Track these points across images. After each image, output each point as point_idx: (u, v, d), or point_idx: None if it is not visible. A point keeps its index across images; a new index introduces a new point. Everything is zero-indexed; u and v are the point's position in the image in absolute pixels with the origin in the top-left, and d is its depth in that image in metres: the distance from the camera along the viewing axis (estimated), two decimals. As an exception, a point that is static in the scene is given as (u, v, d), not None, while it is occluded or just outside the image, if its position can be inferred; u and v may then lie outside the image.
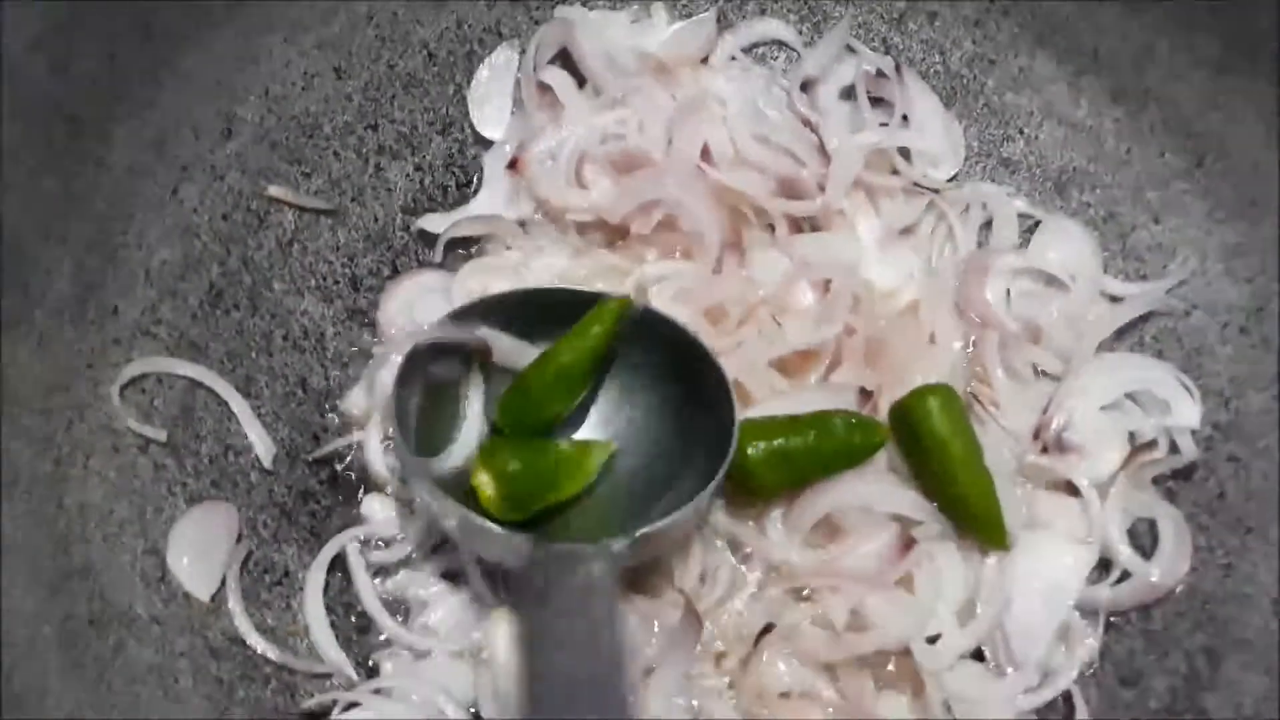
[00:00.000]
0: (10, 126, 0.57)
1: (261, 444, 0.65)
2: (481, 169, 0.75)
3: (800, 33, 0.79)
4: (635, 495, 0.62)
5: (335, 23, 0.72)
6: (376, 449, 0.66)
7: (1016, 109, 0.76)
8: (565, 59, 0.76)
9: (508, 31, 0.76)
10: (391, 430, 0.63)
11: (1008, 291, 0.72)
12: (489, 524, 0.58)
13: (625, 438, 0.64)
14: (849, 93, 0.77)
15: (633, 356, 0.65)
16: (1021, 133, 0.76)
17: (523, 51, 0.76)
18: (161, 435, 0.63)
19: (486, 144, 0.76)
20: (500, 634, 0.60)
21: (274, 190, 0.70)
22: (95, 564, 0.58)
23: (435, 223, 0.73)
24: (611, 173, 0.75)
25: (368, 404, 0.68)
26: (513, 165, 0.74)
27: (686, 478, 0.61)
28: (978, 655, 0.63)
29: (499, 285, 0.71)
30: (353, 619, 0.64)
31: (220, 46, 0.68)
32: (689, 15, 0.78)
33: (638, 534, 0.57)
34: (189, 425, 0.64)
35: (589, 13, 0.77)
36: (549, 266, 0.72)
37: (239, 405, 0.65)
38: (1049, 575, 0.65)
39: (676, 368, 0.64)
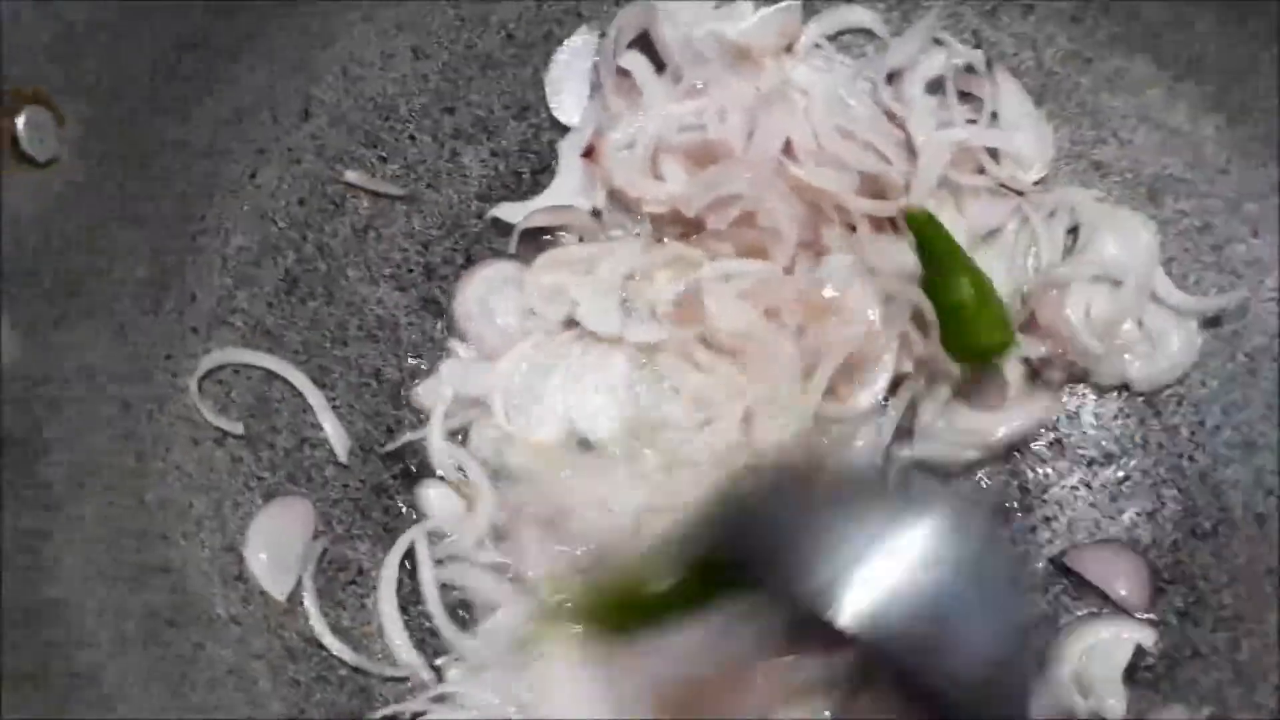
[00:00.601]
0: (88, 107, 0.55)
1: (337, 437, 0.65)
2: (557, 156, 0.73)
3: (887, 22, 0.76)
4: None
5: (414, 1, 0.70)
6: (439, 440, 0.65)
7: (1111, 111, 0.74)
8: (646, 43, 0.74)
9: (588, 13, 0.74)
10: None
11: (1088, 309, 0.70)
12: None
13: None
14: (936, 86, 0.74)
15: None
16: (1115, 135, 0.74)
17: (602, 35, 0.74)
18: (239, 428, 0.62)
19: (563, 130, 0.74)
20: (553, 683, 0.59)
21: (351, 175, 0.68)
22: (174, 561, 0.58)
23: (510, 211, 0.72)
24: (688, 164, 0.73)
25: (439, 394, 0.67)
26: (588, 153, 0.72)
27: None
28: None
29: (573, 280, 0.69)
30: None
31: (300, 23, 0.66)
32: (774, 1, 0.75)
33: None
34: (265, 417, 0.64)
35: (670, -6, 0.74)
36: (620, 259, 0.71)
37: (315, 397, 0.65)
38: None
39: None
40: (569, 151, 0.73)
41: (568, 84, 0.74)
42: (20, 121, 0.51)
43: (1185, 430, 0.68)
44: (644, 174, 0.72)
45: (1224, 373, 0.68)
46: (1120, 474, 0.67)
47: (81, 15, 0.56)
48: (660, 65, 0.74)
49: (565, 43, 0.74)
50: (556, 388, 0.68)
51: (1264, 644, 0.62)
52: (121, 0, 0.56)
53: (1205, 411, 0.68)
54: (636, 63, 0.73)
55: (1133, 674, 0.62)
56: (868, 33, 0.76)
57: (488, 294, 0.69)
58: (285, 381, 0.64)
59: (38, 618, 0.51)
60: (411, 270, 0.70)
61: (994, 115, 0.73)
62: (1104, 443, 0.68)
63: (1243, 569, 0.64)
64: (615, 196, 0.72)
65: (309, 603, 0.61)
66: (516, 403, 0.67)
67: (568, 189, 0.73)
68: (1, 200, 0.50)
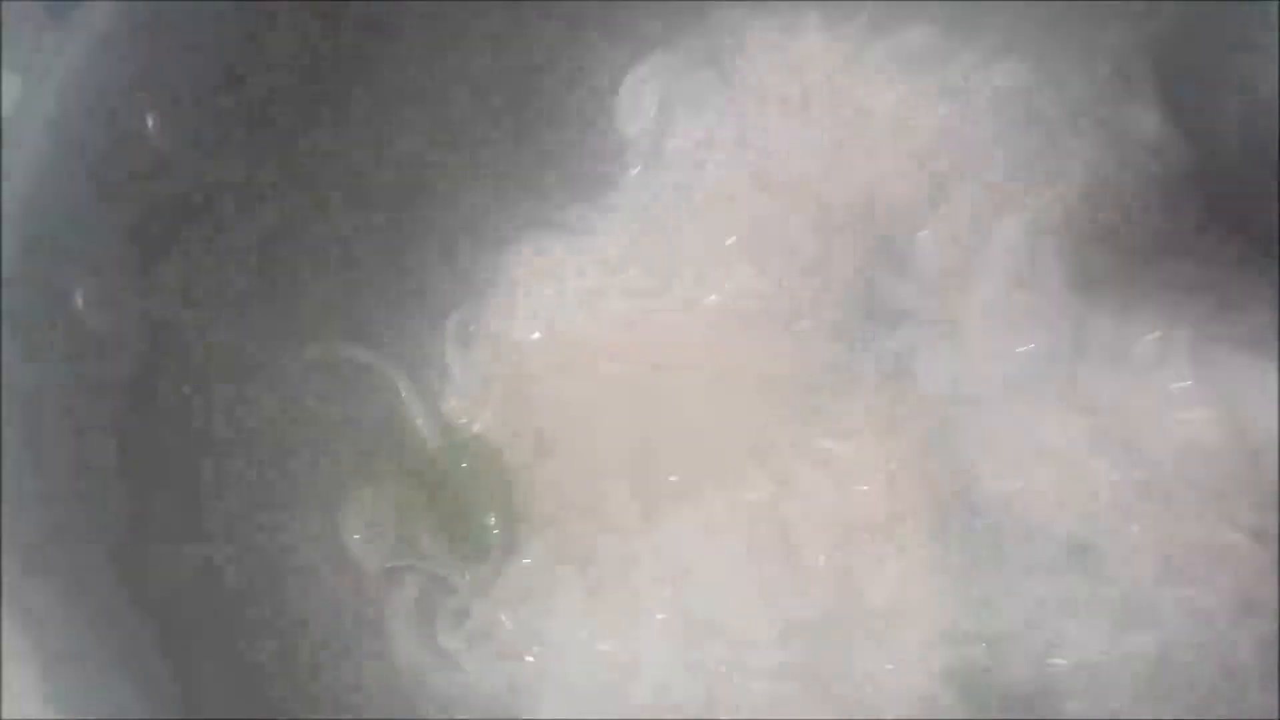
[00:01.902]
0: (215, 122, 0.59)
1: (425, 425, 0.69)
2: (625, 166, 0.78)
3: (948, 40, 0.78)
4: None
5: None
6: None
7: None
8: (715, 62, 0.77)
9: (663, 37, 0.78)
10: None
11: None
12: None
13: None
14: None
15: None
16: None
17: (670, 55, 0.78)
18: (339, 414, 0.66)
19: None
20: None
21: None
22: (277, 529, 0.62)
23: (578, 211, 0.76)
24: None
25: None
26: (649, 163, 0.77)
27: None
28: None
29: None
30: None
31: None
32: (839, 21, 0.78)
33: None
34: (357, 407, 0.67)
35: (743, 15, 0.78)
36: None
37: (406, 388, 0.69)
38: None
39: None
40: (633, 161, 0.77)
41: (638, 102, 0.78)
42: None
43: None
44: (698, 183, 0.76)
45: None
46: None
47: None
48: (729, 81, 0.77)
49: (638, 66, 0.78)
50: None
51: None
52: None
53: None
54: (703, 78, 0.77)
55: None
56: (929, 49, 0.79)
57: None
58: (379, 374, 0.68)
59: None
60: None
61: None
62: None
63: None
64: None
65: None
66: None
67: (632, 196, 0.77)
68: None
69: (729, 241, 0.74)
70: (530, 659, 0.64)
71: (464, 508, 0.66)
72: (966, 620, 0.63)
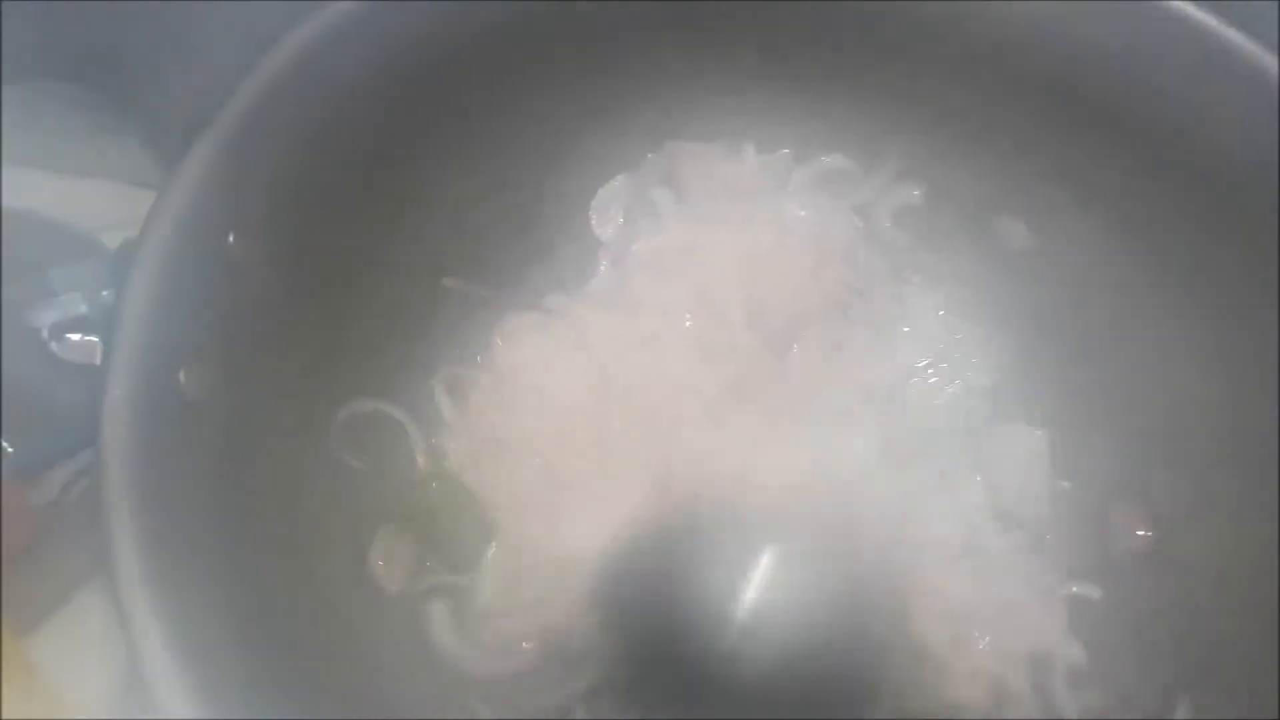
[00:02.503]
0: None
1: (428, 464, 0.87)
2: (597, 264, 0.95)
3: (861, 166, 0.97)
4: None
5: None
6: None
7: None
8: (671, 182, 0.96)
9: (628, 161, 0.96)
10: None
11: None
12: None
13: None
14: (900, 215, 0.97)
15: None
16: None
17: (634, 176, 0.96)
18: (364, 464, 0.83)
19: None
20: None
21: (449, 281, 0.90)
22: (316, 565, 0.78)
23: (556, 301, 0.94)
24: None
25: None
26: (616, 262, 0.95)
27: None
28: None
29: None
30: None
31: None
32: (768, 150, 0.97)
33: None
34: (379, 456, 0.84)
35: (692, 145, 0.96)
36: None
37: (414, 436, 0.87)
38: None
39: None
40: (604, 260, 0.96)
41: (608, 212, 0.97)
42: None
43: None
44: (655, 278, 0.93)
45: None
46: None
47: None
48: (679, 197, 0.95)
49: (609, 183, 0.96)
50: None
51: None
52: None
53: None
54: (660, 195, 0.96)
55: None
56: (843, 174, 0.97)
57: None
58: (394, 428, 0.86)
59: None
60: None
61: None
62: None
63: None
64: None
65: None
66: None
67: (602, 287, 0.95)
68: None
69: (680, 324, 0.93)
70: (526, 646, 0.82)
71: (458, 528, 0.84)
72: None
